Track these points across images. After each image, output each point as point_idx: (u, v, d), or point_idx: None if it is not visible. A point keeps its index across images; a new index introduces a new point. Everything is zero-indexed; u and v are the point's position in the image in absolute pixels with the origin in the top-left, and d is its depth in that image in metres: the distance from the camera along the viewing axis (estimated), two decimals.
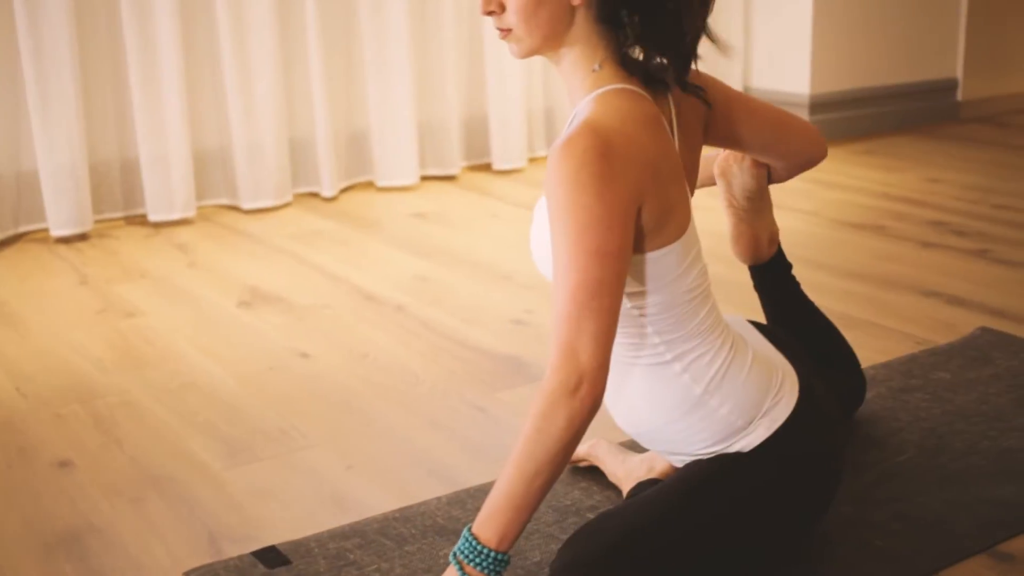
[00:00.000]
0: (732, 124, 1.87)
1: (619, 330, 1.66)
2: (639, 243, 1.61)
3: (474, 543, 1.51)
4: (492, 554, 1.51)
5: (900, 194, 4.08)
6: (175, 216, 3.82)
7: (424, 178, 4.39)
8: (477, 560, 1.51)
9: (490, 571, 1.51)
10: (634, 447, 2.06)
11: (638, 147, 1.57)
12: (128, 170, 3.87)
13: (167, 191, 3.80)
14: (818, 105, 4.96)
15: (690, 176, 1.78)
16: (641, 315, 1.67)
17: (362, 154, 4.31)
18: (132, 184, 3.88)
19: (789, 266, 2.22)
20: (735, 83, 5.08)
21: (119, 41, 3.76)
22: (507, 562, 1.52)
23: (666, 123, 1.67)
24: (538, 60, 4.58)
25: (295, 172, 4.16)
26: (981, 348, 2.61)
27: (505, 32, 1.65)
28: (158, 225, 3.81)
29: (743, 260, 2.18)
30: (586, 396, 1.47)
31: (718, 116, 1.82)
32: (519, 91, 4.49)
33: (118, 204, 3.87)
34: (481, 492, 1.98)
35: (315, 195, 4.16)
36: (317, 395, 2.46)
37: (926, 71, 5.36)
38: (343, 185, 4.24)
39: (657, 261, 1.63)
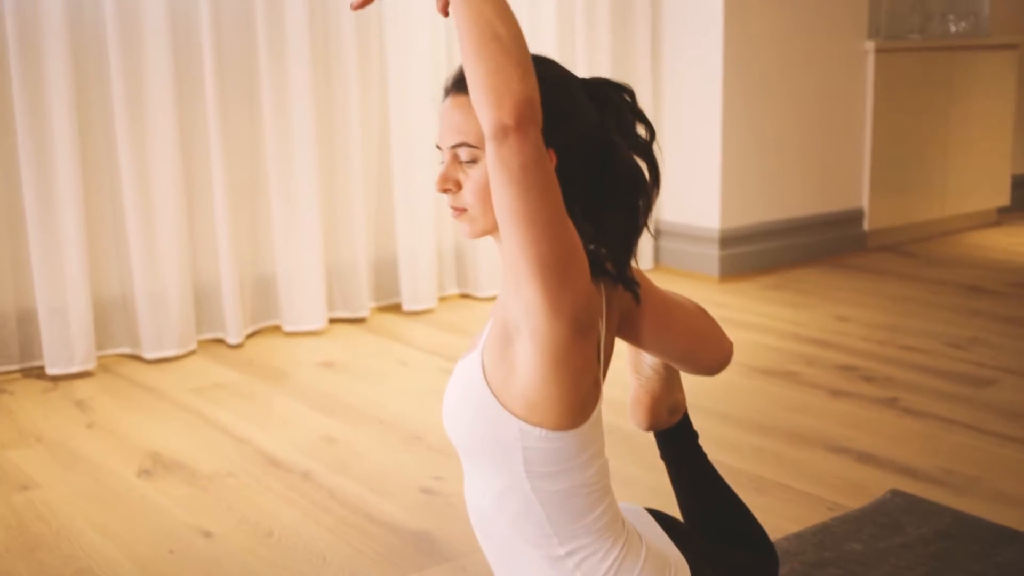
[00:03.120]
0: (641, 331, 1.85)
1: (515, 520, 1.68)
2: (545, 418, 1.62)
3: None
4: None
5: (809, 335, 4.11)
6: (74, 369, 3.70)
7: (332, 320, 4.33)
8: None
9: None
10: None
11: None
12: (25, 320, 3.76)
13: (66, 343, 3.70)
14: (728, 240, 5.01)
15: (604, 365, 1.76)
16: (538, 501, 1.66)
17: (268, 298, 4.25)
18: (29, 335, 3.77)
19: (694, 436, 2.18)
20: None
21: (16, 186, 3.68)
22: None
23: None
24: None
25: (199, 317, 4.08)
26: (892, 514, 2.60)
27: (460, 211, 1.66)
28: (56, 378, 3.69)
29: (639, 426, 2.14)
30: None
31: (634, 319, 1.81)
32: (429, 229, 4.48)
33: (14, 356, 3.75)
34: None
35: (220, 341, 4.08)
36: None
37: (833, 202, 5.46)
38: (249, 330, 4.16)
39: (560, 443, 1.63)
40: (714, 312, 2.04)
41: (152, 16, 3.78)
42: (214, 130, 3.94)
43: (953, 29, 6.00)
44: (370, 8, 4.32)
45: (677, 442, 2.16)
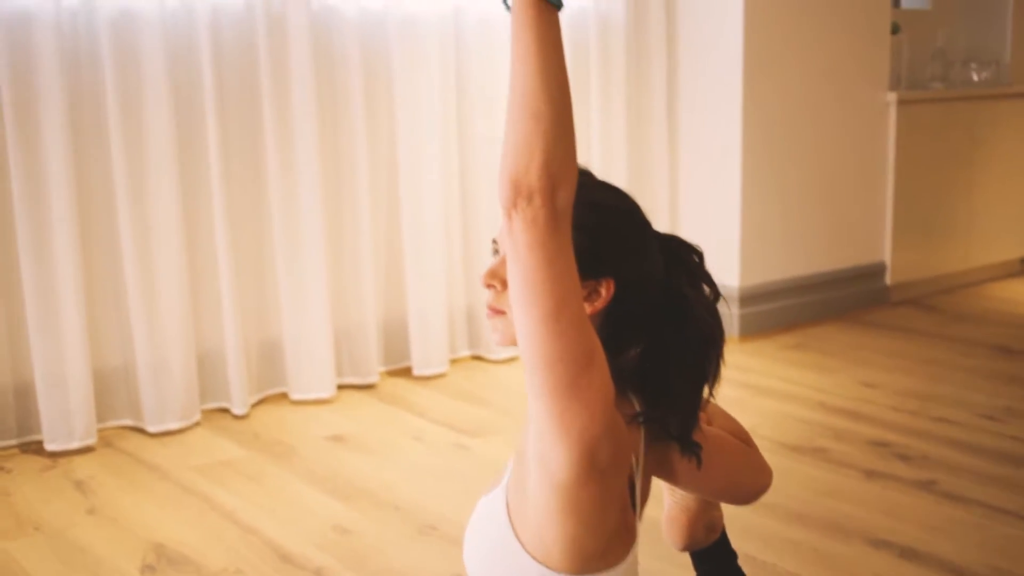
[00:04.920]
0: (680, 474, 1.70)
1: None
2: (563, 562, 1.48)
3: None
4: None
5: (837, 404, 3.95)
6: (74, 445, 3.55)
7: (341, 387, 4.17)
8: None
9: None
10: None
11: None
12: (22, 393, 3.61)
13: (65, 417, 3.54)
14: (747, 298, 4.86)
15: (639, 509, 1.62)
16: None
17: (275, 364, 4.09)
18: (27, 408, 3.61)
19: (733, 556, 2.03)
20: None
21: (12, 253, 3.53)
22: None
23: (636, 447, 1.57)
24: (457, 255, 4.44)
25: (204, 386, 3.92)
26: None
27: (496, 313, 1.55)
28: (55, 455, 3.53)
29: (674, 546, 2.00)
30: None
31: (672, 461, 1.66)
32: (440, 290, 4.34)
33: (11, 431, 3.60)
34: None
35: (225, 411, 3.92)
36: None
37: (854, 256, 5.32)
38: (255, 399, 4.00)
39: None
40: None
41: (153, 80, 3.64)
42: (217, 189, 3.79)
43: (975, 78, 5.86)
44: (378, 66, 4.19)
45: (715, 563, 2.01)
